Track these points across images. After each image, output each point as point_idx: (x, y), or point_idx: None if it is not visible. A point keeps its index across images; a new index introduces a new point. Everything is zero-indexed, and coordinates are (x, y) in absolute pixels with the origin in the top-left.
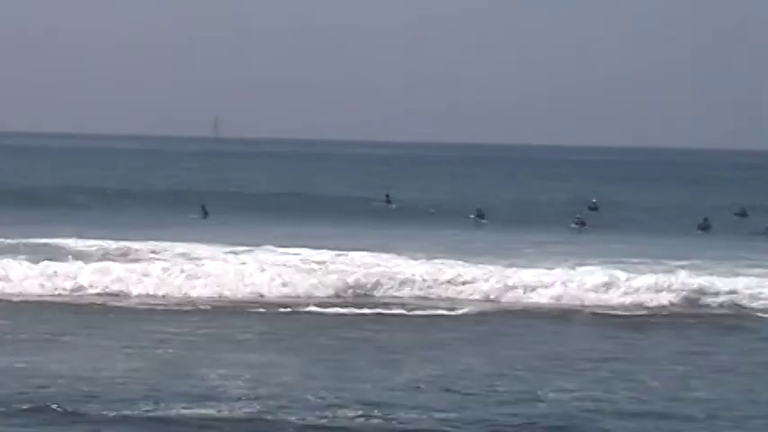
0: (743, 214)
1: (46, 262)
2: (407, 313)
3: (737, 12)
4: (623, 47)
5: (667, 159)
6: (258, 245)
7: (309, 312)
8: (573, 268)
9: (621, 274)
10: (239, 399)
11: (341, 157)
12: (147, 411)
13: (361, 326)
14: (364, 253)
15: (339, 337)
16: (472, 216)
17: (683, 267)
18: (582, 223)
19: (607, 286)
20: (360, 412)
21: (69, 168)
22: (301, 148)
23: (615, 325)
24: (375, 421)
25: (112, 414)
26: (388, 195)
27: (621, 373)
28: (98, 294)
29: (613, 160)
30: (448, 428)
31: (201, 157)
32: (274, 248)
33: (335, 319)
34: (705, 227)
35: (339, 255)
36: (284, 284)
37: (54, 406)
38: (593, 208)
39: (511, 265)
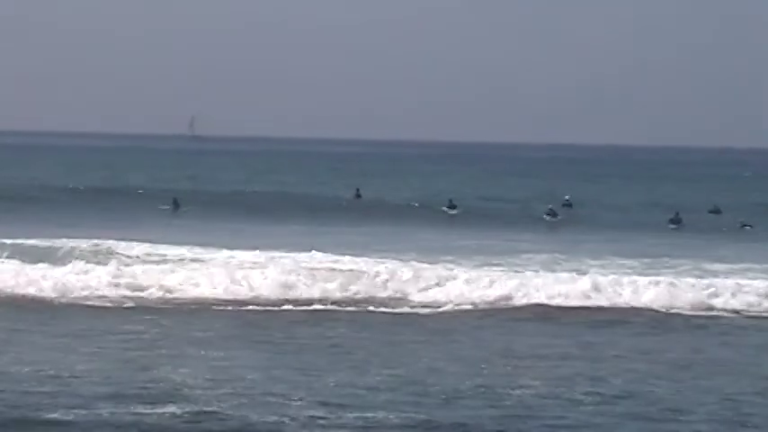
0: (717, 212)
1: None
2: (372, 310)
3: (736, 11)
4: (626, 45)
5: (661, 158)
6: (226, 240)
7: (268, 311)
8: (535, 269)
9: (580, 276)
10: (200, 398)
11: (321, 155)
12: (107, 412)
13: (321, 325)
14: (326, 253)
15: (299, 336)
16: (445, 207)
17: (649, 266)
18: (554, 215)
19: (566, 285)
20: (324, 412)
21: (41, 166)
22: (281, 147)
23: (571, 324)
24: (340, 421)
25: (69, 416)
26: (358, 190)
27: (582, 370)
28: (61, 295)
29: (601, 158)
30: (415, 427)
31: (177, 155)
32: (237, 247)
33: (293, 318)
34: (677, 221)
35: (301, 253)
36: (246, 284)
37: (7, 409)
38: (567, 204)
39: (479, 264)
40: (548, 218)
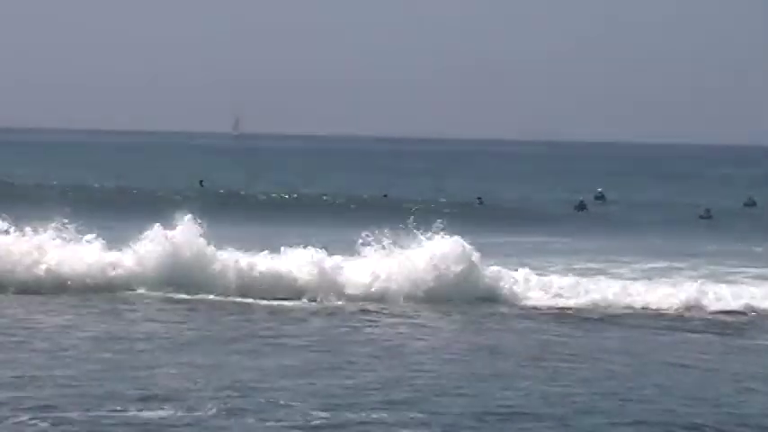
0: (752, 204)
1: None
2: (353, 310)
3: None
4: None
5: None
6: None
7: (250, 306)
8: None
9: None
10: (194, 399)
11: (353, 152)
12: (100, 415)
13: (304, 322)
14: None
15: (286, 334)
16: (477, 201)
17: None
18: (583, 207)
19: (540, 285)
20: (320, 411)
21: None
22: (326, 145)
23: (546, 322)
24: (337, 421)
25: (61, 418)
26: (386, 196)
27: (569, 369)
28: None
29: (619, 155)
30: (418, 427)
31: (220, 153)
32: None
33: (275, 316)
34: (707, 216)
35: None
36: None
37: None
38: (600, 197)
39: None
40: (577, 209)
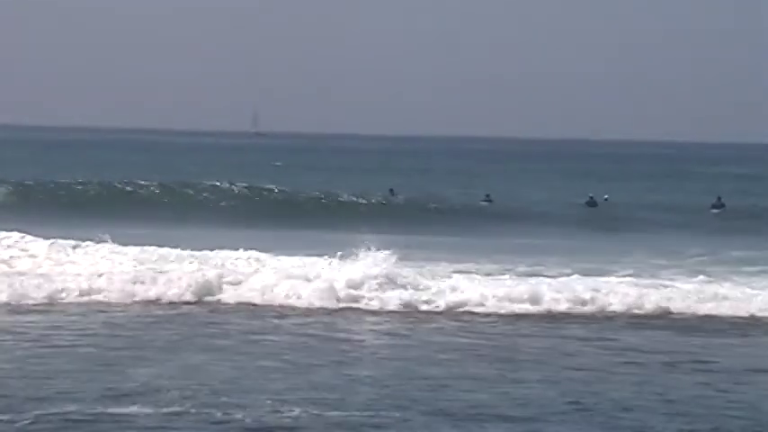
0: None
1: None
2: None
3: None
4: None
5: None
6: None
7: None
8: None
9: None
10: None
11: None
12: (69, 412)
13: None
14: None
15: (251, 332)
16: (483, 200)
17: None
18: (593, 203)
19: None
20: (298, 411)
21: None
22: (342, 143)
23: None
24: (315, 420)
25: (27, 419)
26: (392, 190)
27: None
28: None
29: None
30: (389, 426)
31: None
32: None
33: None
34: (719, 206)
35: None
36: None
37: None
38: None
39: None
40: (587, 205)
